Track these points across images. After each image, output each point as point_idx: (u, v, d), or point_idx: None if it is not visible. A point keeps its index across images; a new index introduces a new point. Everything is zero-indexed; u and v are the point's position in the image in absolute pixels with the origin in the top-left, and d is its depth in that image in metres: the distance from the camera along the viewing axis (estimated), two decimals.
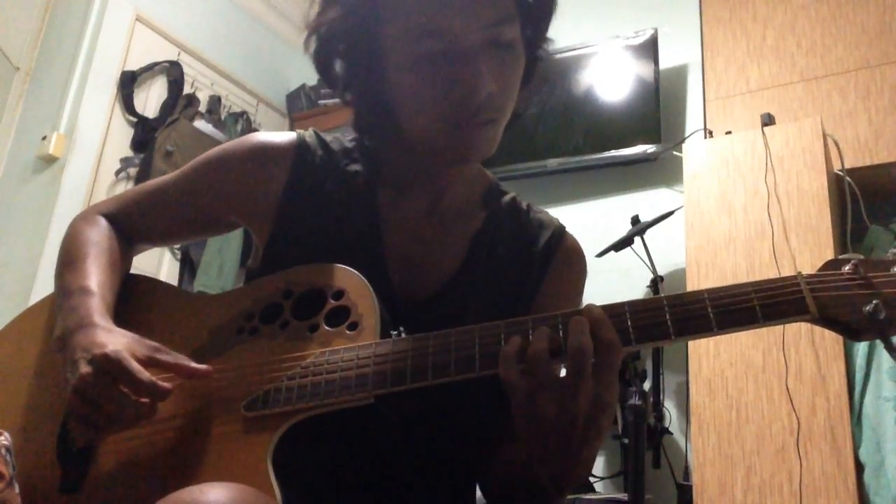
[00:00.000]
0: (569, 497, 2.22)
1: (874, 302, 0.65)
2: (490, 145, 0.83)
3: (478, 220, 0.95)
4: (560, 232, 0.98)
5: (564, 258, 0.96)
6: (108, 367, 0.72)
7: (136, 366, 0.72)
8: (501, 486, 0.86)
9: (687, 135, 2.93)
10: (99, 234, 0.94)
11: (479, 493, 0.94)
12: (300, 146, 0.94)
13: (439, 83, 0.79)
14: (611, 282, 2.82)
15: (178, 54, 3.32)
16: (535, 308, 0.93)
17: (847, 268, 0.68)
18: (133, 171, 3.03)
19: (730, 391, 2.21)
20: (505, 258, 0.94)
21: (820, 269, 0.69)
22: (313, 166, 0.93)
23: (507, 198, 0.99)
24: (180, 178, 0.97)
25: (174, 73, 3.26)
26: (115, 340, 0.75)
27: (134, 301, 0.92)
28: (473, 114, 0.79)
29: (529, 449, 0.69)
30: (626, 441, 2.22)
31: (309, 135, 0.96)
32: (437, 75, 0.79)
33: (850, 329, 0.66)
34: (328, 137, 0.98)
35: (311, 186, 0.92)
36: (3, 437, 0.75)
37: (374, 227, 0.90)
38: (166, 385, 0.73)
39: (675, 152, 2.83)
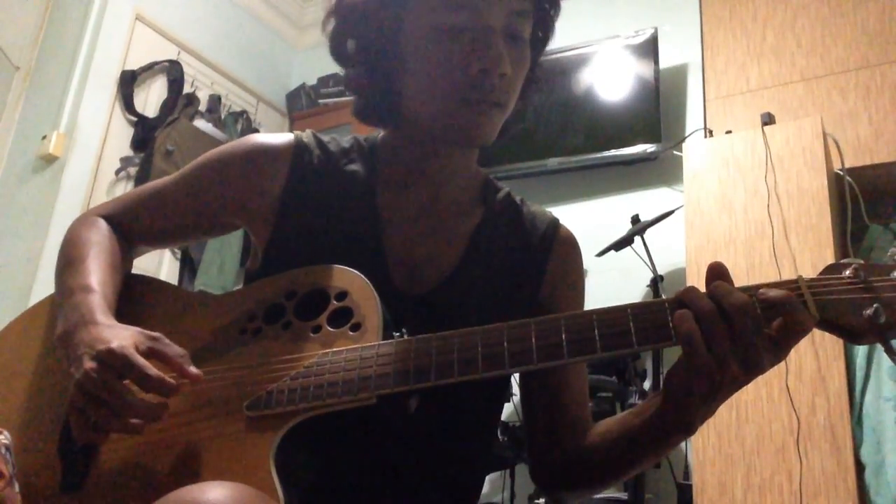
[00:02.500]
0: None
1: (875, 306, 0.65)
2: (493, 131, 0.86)
3: (475, 216, 0.96)
4: (555, 224, 1.00)
5: (561, 250, 0.98)
6: (113, 362, 0.72)
7: (142, 361, 0.72)
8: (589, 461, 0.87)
9: (687, 134, 2.93)
10: (98, 236, 0.94)
11: (477, 493, 0.94)
12: (298, 147, 0.95)
13: (459, 56, 0.81)
14: (611, 281, 2.82)
15: (178, 53, 3.32)
16: (541, 300, 0.95)
17: (848, 272, 0.68)
18: (133, 170, 3.03)
19: None
20: (503, 252, 0.95)
21: (821, 273, 0.70)
22: (311, 167, 0.94)
23: (501, 193, 1.00)
24: (179, 181, 0.97)
25: (174, 72, 3.26)
26: (119, 335, 0.75)
27: (135, 301, 0.92)
28: (487, 92, 0.82)
29: (687, 402, 0.69)
30: None
31: (306, 135, 0.97)
32: (458, 48, 0.82)
33: (851, 332, 0.66)
34: (325, 138, 0.98)
35: (309, 187, 0.92)
36: (3, 436, 0.75)
37: (373, 225, 0.91)
38: (173, 381, 0.73)
39: (675, 152, 2.83)
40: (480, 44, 0.81)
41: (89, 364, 0.72)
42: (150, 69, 3.17)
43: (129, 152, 3.07)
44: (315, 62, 4.00)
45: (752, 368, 0.65)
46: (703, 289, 0.69)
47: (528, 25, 0.85)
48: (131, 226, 0.98)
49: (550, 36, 0.93)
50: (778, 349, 0.66)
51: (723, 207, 2.43)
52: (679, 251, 2.59)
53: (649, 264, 2.58)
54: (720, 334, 0.65)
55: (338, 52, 0.92)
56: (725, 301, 0.65)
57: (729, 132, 2.58)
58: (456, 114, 0.83)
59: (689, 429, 0.72)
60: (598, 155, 3.02)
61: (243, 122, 3.57)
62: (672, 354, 2.77)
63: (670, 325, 0.68)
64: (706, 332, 0.65)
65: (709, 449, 2.19)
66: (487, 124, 0.84)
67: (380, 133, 0.99)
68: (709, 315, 0.65)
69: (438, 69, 0.82)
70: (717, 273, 0.69)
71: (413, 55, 0.84)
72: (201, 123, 3.25)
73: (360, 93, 0.92)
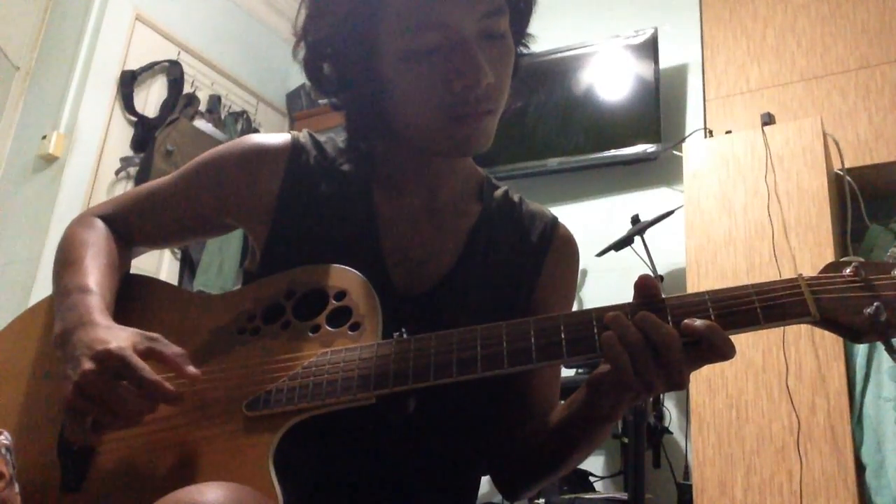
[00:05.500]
0: (569, 497, 2.22)
1: (875, 304, 0.65)
2: (489, 136, 0.85)
3: (473, 215, 0.96)
4: (553, 223, 0.99)
5: (559, 249, 0.98)
6: (111, 363, 0.71)
7: (140, 363, 0.72)
8: (528, 456, 0.90)
9: (687, 134, 2.93)
10: (96, 236, 0.94)
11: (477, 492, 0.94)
12: (294, 147, 0.95)
13: (439, 76, 0.80)
14: (611, 281, 2.82)
15: (178, 54, 3.31)
16: (535, 299, 0.94)
17: (848, 270, 0.68)
18: (133, 170, 3.03)
19: (730, 390, 2.22)
20: (501, 250, 0.95)
21: (821, 272, 0.70)
22: (308, 167, 0.94)
23: (499, 192, 1.00)
24: (176, 181, 0.97)
25: (174, 72, 3.26)
26: (117, 336, 0.75)
27: (134, 301, 0.92)
28: (474, 105, 0.80)
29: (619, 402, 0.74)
30: (625, 440, 2.22)
31: (303, 135, 0.97)
32: (435, 68, 0.80)
33: (852, 331, 0.66)
34: (322, 138, 0.98)
35: (306, 187, 0.92)
36: (3, 437, 0.75)
37: (370, 225, 0.91)
38: (171, 388, 0.73)
39: (675, 152, 2.83)
40: (458, 59, 0.78)
41: (87, 365, 0.72)
42: (150, 69, 3.17)
43: (129, 152, 3.06)
44: None
45: (677, 387, 0.68)
46: (702, 289, 0.70)
47: (503, 20, 0.82)
48: (128, 226, 0.98)
49: (527, 25, 0.90)
50: (699, 365, 0.70)
51: (723, 207, 2.42)
52: (679, 251, 2.59)
53: (649, 264, 2.58)
54: (648, 363, 0.67)
55: (316, 80, 0.90)
56: (652, 335, 0.67)
57: (729, 132, 2.58)
58: (448, 130, 0.82)
59: (612, 422, 0.79)
60: (598, 155, 3.01)
61: (243, 122, 3.57)
62: None
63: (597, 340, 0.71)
64: (634, 360, 0.67)
65: (709, 449, 2.18)
66: (482, 134, 0.83)
67: None
68: (637, 346, 0.67)
69: (421, 92, 0.81)
70: (645, 289, 0.72)
71: (393, 80, 0.83)
72: (201, 123, 3.25)
73: (349, 117, 0.92)
